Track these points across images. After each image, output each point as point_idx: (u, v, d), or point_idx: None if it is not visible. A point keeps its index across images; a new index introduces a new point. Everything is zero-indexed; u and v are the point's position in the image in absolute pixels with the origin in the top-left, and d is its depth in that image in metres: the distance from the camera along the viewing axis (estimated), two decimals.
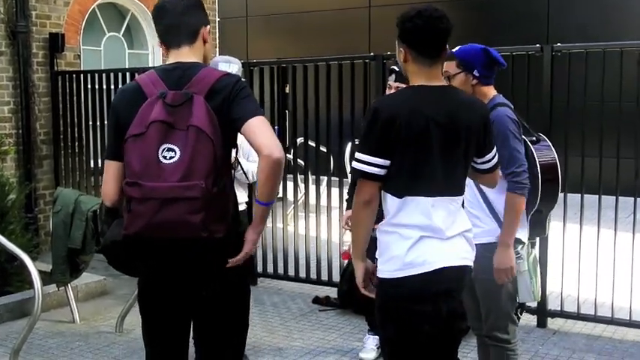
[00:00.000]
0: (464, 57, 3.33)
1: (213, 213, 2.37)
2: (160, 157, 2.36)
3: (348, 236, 4.59)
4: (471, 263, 2.73)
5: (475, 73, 3.30)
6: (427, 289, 2.59)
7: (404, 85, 4.25)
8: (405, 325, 2.62)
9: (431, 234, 2.60)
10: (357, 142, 3.16)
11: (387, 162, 2.56)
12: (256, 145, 2.45)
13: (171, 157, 2.35)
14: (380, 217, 2.71)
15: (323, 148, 6.72)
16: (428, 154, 2.57)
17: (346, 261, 5.66)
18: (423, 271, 2.57)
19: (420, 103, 2.60)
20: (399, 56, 2.71)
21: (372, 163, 2.56)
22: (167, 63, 2.63)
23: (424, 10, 2.61)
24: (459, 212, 2.71)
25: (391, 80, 4.29)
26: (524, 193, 3.20)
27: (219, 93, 2.47)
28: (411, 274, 2.58)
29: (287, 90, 9.48)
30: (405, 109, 2.56)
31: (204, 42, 2.66)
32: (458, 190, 2.69)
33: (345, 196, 4.86)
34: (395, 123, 2.53)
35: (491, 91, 3.39)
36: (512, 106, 3.38)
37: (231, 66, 4.53)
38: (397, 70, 4.29)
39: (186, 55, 2.60)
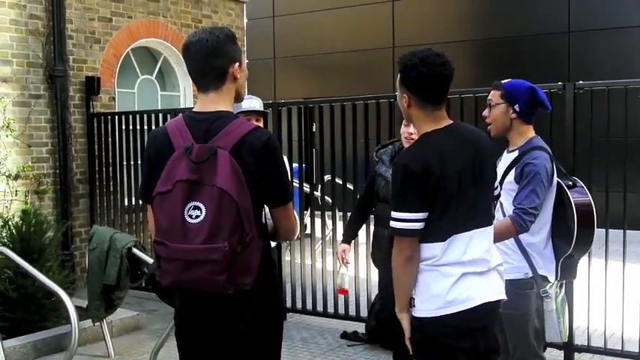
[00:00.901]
0: (509, 90, 3.38)
1: (239, 269, 2.38)
2: (186, 216, 2.36)
3: (343, 269, 4.73)
4: (504, 297, 2.74)
5: (516, 107, 3.34)
6: (467, 325, 2.60)
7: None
8: None
9: (471, 269, 2.61)
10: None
11: (424, 215, 2.55)
12: (278, 227, 2.60)
13: (197, 216, 2.35)
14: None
15: (349, 185, 6.85)
16: (464, 196, 2.59)
17: (373, 297, 5.74)
18: (465, 308, 2.58)
19: (446, 149, 2.59)
20: (402, 101, 2.69)
21: (410, 220, 2.55)
22: (195, 110, 2.57)
23: (426, 56, 2.60)
24: (492, 243, 2.74)
25: (404, 123, 4.32)
26: (520, 231, 3.22)
27: (247, 148, 2.43)
28: (453, 311, 2.58)
29: (314, 129, 9.66)
30: (435, 158, 2.55)
31: (235, 79, 2.56)
32: (490, 220, 2.73)
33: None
34: (431, 174, 2.52)
35: (529, 131, 3.43)
36: (550, 150, 3.41)
37: (254, 102, 4.68)
38: None
39: (213, 101, 2.53)
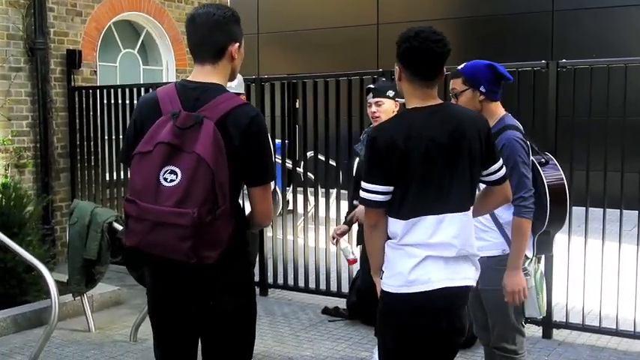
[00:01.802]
0: (469, 73, 3.34)
1: (206, 240, 2.36)
2: (161, 178, 2.35)
3: (343, 243, 4.88)
4: (474, 283, 2.76)
5: (482, 89, 3.31)
6: (428, 305, 2.63)
7: (382, 100, 4.43)
8: (404, 338, 2.68)
9: (436, 252, 2.63)
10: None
11: (389, 188, 2.61)
12: (254, 210, 2.58)
13: (172, 180, 2.34)
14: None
15: (332, 162, 6.84)
16: (431, 175, 2.60)
17: (355, 273, 5.77)
18: (424, 290, 2.62)
19: (418, 126, 2.61)
20: (396, 74, 2.74)
21: (375, 191, 2.61)
22: (189, 79, 2.58)
23: (422, 31, 2.62)
24: (470, 228, 2.73)
25: (370, 98, 4.48)
26: (530, 217, 3.23)
27: (233, 122, 2.43)
28: (413, 291, 2.63)
29: (297, 105, 9.63)
30: (402, 134, 2.58)
31: (232, 59, 2.57)
32: (466, 206, 2.71)
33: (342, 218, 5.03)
34: (394, 150, 2.56)
35: (499, 110, 3.41)
36: (521, 127, 3.39)
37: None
38: (374, 87, 4.49)
39: (208, 73, 2.55)
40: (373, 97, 4.46)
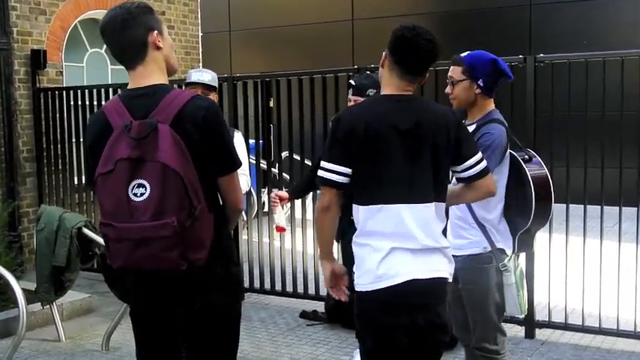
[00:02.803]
0: (472, 64, 3.28)
1: (191, 243, 2.34)
2: (131, 194, 2.30)
3: (279, 208, 4.74)
4: (446, 275, 2.72)
5: (480, 82, 3.26)
6: (400, 301, 2.62)
7: (361, 99, 4.34)
8: (382, 337, 2.66)
9: (400, 243, 2.63)
10: None
11: (347, 170, 2.64)
12: (226, 201, 2.56)
13: (142, 194, 2.29)
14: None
15: (308, 162, 6.72)
16: (391, 161, 2.63)
17: None
18: (393, 284, 2.61)
19: (382, 111, 2.66)
20: (381, 59, 2.77)
21: (332, 171, 2.65)
22: (130, 87, 2.49)
23: (418, 27, 2.68)
24: (434, 221, 2.70)
25: (350, 94, 4.43)
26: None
27: (188, 119, 2.38)
28: (383, 286, 2.62)
29: (271, 104, 9.49)
30: (365, 118, 2.63)
31: (158, 48, 2.48)
32: (427, 198, 2.67)
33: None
34: (355, 132, 2.61)
35: (490, 105, 3.36)
36: (506, 124, 3.35)
37: (204, 75, 4.54)
38: (354, 84, 4.43)
39: (143, 75, 2.46)
40: (353, 95, 4.39)
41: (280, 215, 4.75)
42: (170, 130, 2.33)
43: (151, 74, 2.47)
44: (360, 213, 2.68)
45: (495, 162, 3.20)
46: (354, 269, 2.73)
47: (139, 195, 2.29)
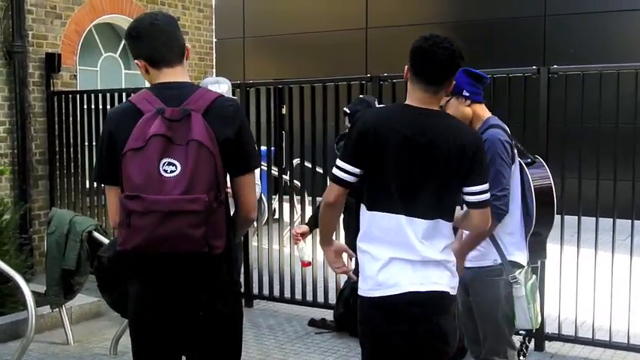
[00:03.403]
0: None
1: (214, 228, 2.35)
2: (162, 170, 2.32)
3: (302, 243, 4.77)
4: (446, 289, 2.69)
5: (465, 93, 3.28)
6: (401, 310, 2.62)
7: None
8: (381, 344, 2.68)
9: (400, 254, 2.63)
10: None
11: (357, 170, 2.65)
12: (240, 201, 2.57)
13: (172, 171, 2.32)
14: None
15: (319, 169, 6.70)
16: (398, 171, 2.61)
17: (342, 283, 5.64)
18: (392, 293, 2.62)
19: (400, 120, 2.65)
20: (405, 71, 2.78)
21: (343, 169, 2.66)
22: (160, 82, 2.55)
23: (436, 36, 2.66)
24: (437, 236, 2.67)
25: (346, 122, 4.37)
26: (499, 219, 3.15)
27: (216, 114, 2.44)
28: (382, 294, 2.63)
29: (284, 111, 9.50)
30: (382, 124, 2.64)
31: (186, 58, 2.65)
32: (430, 215, 2.65)
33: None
34: (368, 135, 2.62)
35: (485, 112, 3.37)
36: (507, 128, 3.35)
37: (221, 86, 4.56)
38: (349, 112, 4.40)
39: (179, 73, 2.57)
40: (348, 122, 4.35)
41: (304, 250, 4.78)
42: (202, 118, 2.39)
43: (182, 74, 2.59)
44: (365, 216, 2.72)
45: (506, 167, 3.19)
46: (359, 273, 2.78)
47: (168, 172, 2.32)
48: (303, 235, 4.80)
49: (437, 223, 2.66)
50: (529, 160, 3.42)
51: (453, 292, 2.73)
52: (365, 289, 2.69)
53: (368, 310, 2.68)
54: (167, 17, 2.61)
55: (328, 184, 2.77)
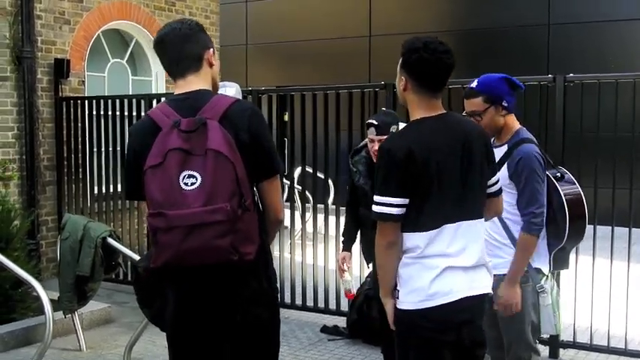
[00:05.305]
0: (490, 90, 3.28)
1: (242, 235, 2.34)
2: (182, 184, 2.32)
3: (347, 275, 4.46)
4: (490, 290, 2.76)
5: (504, 103, 3.26)
6: (449, 318, 2.60)
7: (384, 137, 3.78)
8: (429, 355, 2.63)
9: (455, 262, 2.61)
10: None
11: (405, 201, 2.56)
12: (266, 205, 2.56)
13: (192, 184, 2.31)
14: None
15: (320, 174, 6.67)
16: (448, 184, 2.59)
17: (355, 290, 5.61)
18: (447, 301, 2.58)
19: (431, 135, 2.61)
20: (399, 84, 2.72)
21: (392, 204, 2.56)
22: (176, 93, 2.57)
23: (430, 42, 2.61)
24: (481, 238, 2.71)
25: (372, 134, 4.08)
26: (538, 234, 3.20)
27: (234, 117, 2.44)
28: (435, 304, 2.58)
29: (285, 118, 9.49)
30: (419, 145, 2.56)
31: (211, 65, 2.60)
32: (479, 214, 2.70)
33: (341, 237, 4.70)
34: (412, 161, 2.54)
35: (515, 123, 3.36)
36: (535, 140, 3.36)
37: (227, 90, 4.51)
38: (376, 123, 4.09)
39: (193, 83, 2.55)
40: (376, 135, 4.06)
41: (349, 282, 4.53)
42: (219, 125, 2.38)
43: (199, 82, 2.56)
44: (421, 240, 2.60)
45: (542, 183, 3.20)
46: (398, 287, 2.66)
47: (189, 184, 2.31)
48: (347, 262, 4.45)
49: (481, 223, 2.71)
50: (557, 174, 3.39)
51: (491, 292, 2.80)
52: (413, 301, 2.61)
53: (417, 321, 2.61)
54: (174, 30, 2.56)
55: (377, 226, 2.62)
